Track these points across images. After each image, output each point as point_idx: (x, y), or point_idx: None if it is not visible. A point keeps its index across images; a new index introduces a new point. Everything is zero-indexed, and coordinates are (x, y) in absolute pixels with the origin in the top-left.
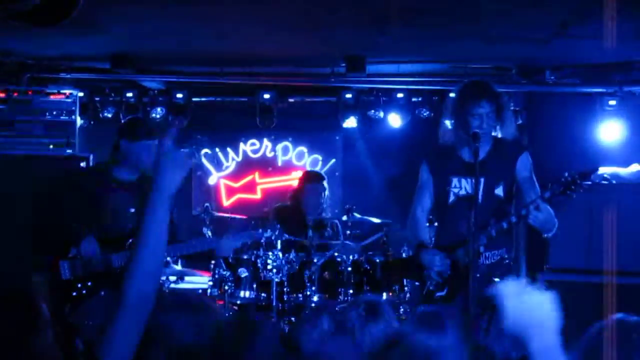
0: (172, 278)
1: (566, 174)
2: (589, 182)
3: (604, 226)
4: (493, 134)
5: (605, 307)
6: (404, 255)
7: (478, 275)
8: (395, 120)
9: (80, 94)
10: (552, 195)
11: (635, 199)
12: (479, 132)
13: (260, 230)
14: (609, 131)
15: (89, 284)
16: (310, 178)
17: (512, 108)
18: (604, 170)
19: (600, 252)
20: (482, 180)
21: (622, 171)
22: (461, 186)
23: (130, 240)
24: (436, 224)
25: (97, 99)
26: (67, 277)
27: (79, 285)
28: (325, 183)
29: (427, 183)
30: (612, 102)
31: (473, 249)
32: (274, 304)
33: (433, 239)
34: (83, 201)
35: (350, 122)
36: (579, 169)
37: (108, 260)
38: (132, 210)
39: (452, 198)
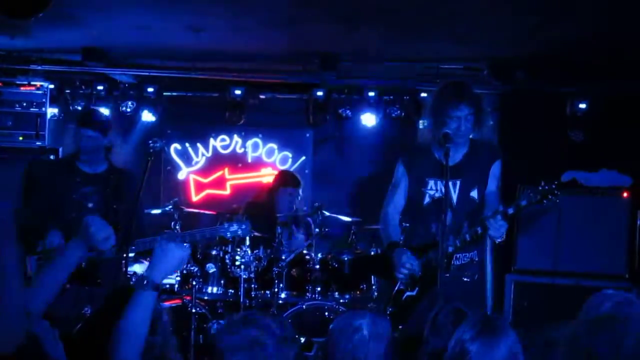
0: (140, 273)
1: (543, 183)
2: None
3: (570, 229)
4: (470, 136)
5: (571, 309)
6: (372, 253)
7: (448, 275)
8: (367, 119)
9: (51, 86)
10: (528, 204)
11: (602, 202)
12: (450, 132)
13: (226, 225)
14: (578, 133)
15: None
16: (287, 181)
17: (489, 110)
18: (572, 173)
19: (567, 254)
20: (458, 182)
21: (591, 174)
22: (437, 188)
23: None
24: (406, 224)
25: (67, 91)
26: (34, 272)
27: None
28: (300, 190)
29: (401, 182)
30: (582, 105)
31: (443, 250)
32: (242, 300)
33: (402, 238)
34: (48, 195)
35: (318, 121)
36: (549, 174)
37: None
38: (90, 205)
39: (427, 200)
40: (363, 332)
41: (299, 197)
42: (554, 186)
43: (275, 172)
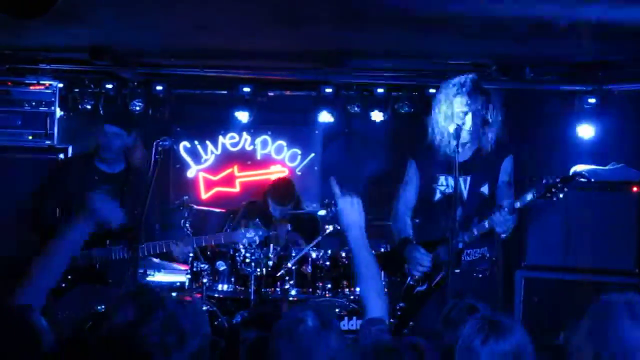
0: (150, 271)
1: (548, 178)
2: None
3: (580, 224)
4: (482, 132)
5: (581, 305)
6: (382, 250)
7: (458, 271)
8: (376, 115)
9: (60, 85)
10: (533, 198)
11: (612, 197)
12: (461, 127)
13: (243, 231)
14: (587, 129)
15: (69, 277)
16: (276, 198)
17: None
18: (581, 168)
19: (577, 250)
20: (468, 178)
21: (600, 169)
22: (447, 184)
23: (109, 241)
24: (417, 220)
25: (76, 90)
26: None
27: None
28: (291, 206)
29: (413, 180)
30: (592, 100)
31: (452, 246)
32: (252, 298)
33: (412, 234)
34: (65, 192)
35: (324, 117)
36: (559, 170)
37: (89, 256)
38: None
39: (438, 195)
40: (307, 323)
41: (293, 205)
42: (557, 180)
43: (285, 170)
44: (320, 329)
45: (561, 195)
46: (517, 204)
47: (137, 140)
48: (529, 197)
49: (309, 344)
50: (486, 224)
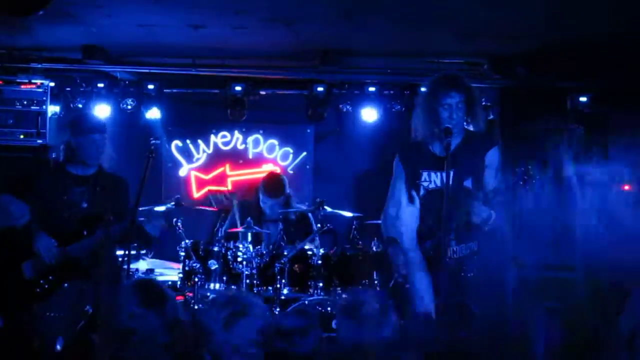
0: (142, 270)
1: (523, 165)
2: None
3: (572, 221)
4: (465, 126)
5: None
6: (374, 249)
7: (447, 270)
8: (368, 114)
9: (52, 84)
10: (506, 187)
11: (603, 195)
12: (450, 126)
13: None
14: (579, 127)
15: (51, 277)
16: (266, 191)
17: (483, 103)
18: (573, 166)
19: (569, 247)
20: (451, 173)
21: (591, 168)
22: (431, 180)
23: (86, 232)
24: None
25: (67, 89)
26: (30, 276)
27: (42, 282)
28: (282, 199)
29: (400, 177)
30: (583, 99)
31: (444, 242)
32: None
33: None
34: (38, 200)
35: (316, 116)
36: (552, 168)
37: (65, 252)
38: (85, 205)
39: (421, 192)
40: (371, 304)
41: (286, 201)
42: (530, 167)
43: (276, 169)
44: (385, 308)
45: (534, 181)
46: (491, 194)
47: (107, 143)
48: (502, 185)
49: (375, 321)
50: (463, 215)
